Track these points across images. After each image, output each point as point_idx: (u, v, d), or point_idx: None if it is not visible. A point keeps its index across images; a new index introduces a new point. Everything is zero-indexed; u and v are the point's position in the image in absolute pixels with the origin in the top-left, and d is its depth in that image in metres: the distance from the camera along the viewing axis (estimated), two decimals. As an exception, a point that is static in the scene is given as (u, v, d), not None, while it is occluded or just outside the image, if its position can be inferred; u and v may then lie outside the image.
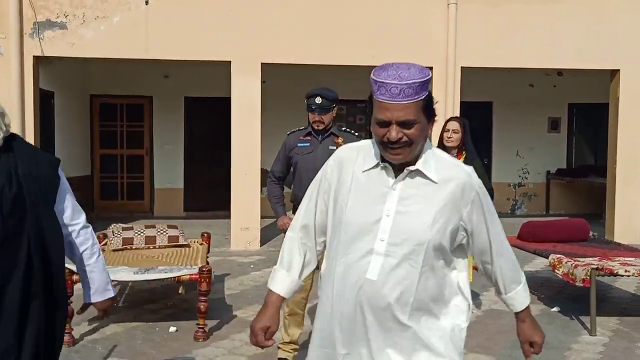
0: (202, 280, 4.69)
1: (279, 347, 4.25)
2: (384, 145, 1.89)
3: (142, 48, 8.33)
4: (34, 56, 8.15)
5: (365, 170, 1.97)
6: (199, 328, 4.78)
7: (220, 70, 8.99)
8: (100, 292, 2.54)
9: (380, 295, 1.89)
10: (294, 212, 4.20)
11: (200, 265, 4.84)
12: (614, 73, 9.38)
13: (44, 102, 8.63)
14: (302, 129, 4.34)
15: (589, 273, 5.03)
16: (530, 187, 12.48)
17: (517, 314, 2.13)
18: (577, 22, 9.08)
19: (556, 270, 5.45)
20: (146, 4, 8.28)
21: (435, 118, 1.94)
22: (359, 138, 4.02)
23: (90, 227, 2.52)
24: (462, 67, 8.94)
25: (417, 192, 1.92)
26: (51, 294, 2.27)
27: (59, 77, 9.42)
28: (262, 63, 8.53)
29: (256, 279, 6.92)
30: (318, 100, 4.13)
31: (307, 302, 4.25)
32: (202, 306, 4.72)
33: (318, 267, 2.18)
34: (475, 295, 5.84)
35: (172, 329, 5.00)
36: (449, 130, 5.11)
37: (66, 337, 4.57)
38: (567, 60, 9.28)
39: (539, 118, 12.50)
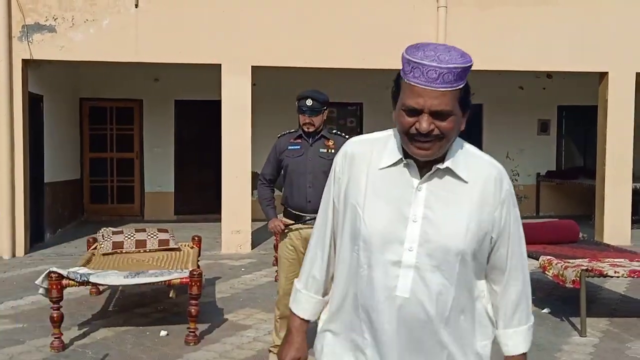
0: (193, 283, 4.67)
1: (269, 351, 4.25)
2: (410, 137, 1.61)
3: (132, 51, 8.30)
4: (22, 59, 8.10)
5: (383, 168, 1.69)
6: (190, 332, 4.76)
7: (210, 73, 8.97)
8: None
9: (413, 313, 1.64)
10: (284, 215, 4.20)
11: (191, 269, 4.82)
12: (603, 75, 9.43)
13: (33, 106, 8.58)
14: (292, 132, 4.33)
15: (579, 274, 5.05)
16: (521, 189, 12.52)
17: (507, 357, 1.79)
18: (567, 24, 9.14)
19: (546, 272, 5.46)
20: (136, 7, 8.25)
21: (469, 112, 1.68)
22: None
23: None
24: (452, 69, 8.94)
25: (446, 194, 1.65)
26: None
27: (48, 81, 9.37)
28: (252, 66, 8.52)
29: (247, 282, 6.90)
30: (309, 102, 4.13)
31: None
32: (193, 310, 4.70)
33: None
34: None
35: (163, 332, 4.98)
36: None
37: (56, 342, 4.56)
38: (556, 62, 9.33)
39: (528, 120, 12.58)
